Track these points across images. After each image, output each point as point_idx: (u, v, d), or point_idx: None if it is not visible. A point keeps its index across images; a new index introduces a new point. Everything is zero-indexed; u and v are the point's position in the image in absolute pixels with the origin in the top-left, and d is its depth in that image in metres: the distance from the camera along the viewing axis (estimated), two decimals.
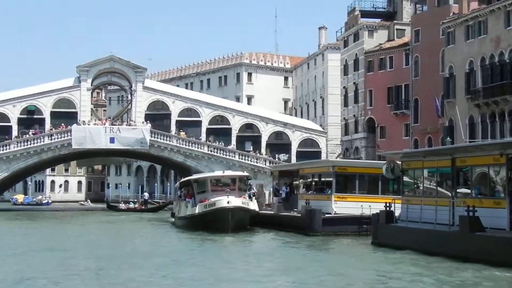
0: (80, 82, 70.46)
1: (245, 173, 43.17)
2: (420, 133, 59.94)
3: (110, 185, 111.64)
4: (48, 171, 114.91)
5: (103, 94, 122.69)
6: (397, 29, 69.48)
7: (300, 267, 22.58)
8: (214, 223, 34.80)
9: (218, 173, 40.98)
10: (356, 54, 70.37)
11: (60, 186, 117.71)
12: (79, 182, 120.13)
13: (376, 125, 67.27)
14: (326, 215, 34.47)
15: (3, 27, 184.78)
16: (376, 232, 28.25)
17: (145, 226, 44.10)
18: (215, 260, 24.34)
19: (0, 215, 58.01)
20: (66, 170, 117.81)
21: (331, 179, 35.53)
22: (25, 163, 66.32)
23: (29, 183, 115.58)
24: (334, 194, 35.15)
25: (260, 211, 40.64)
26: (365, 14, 72.37)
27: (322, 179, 37.10)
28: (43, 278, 19.78)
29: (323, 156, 69.19)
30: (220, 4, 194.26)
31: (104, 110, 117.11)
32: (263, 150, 71.38)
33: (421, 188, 27.34)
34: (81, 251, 27.95)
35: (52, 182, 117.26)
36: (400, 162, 28.90)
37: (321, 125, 78.23)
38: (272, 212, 39.51)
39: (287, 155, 70.64)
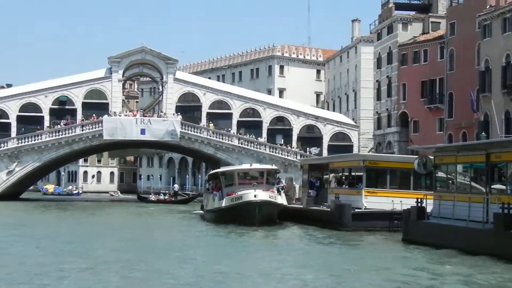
0: (111, 73, 70.54)
1: (274, 167, 42.45)
2: (455, 128, 58.78)
3: (142, 177, 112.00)
4: (81, 161, 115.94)
5: (136, 86, 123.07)
6: (432, 22, 68.23)
7: (327, 262, 22.05)
8: (240, 217, 34.38)
9: (245, 166, 40.55)
10: (390, 47, 69.27)
11: (93, 176, 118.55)
12: (112, 173, 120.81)
13: (409, 120, 66.17)
14: (356, 210, 33.79)
15: (35, 18, 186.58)
16: (406, 228, 27.54)
17: (173, 218, 43.77)
18: (242, 254, 23.96)
19: (30, 205, 58.36)
20: (99, 161, 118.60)
21: (361, 173, 34.82)
22: (56, 153, 66.61)
23: (62, 173, 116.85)
24: (364, 188, 34.44)
25: (289, 205, 40.12)
26: (399, 6, 71.16)
27: (353, 173, 36.40)
28: (60, 270, 19.46)
29: (355, 150, 68.33)
30: None
31: (136, 101, 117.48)
32: (294, 143, 70.79)
33: (454, 183, 26.54)
34: (105, 241, 27.70)
35: (85, 172, 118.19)
36: (432, 157, 28.10)
37: (353, 119, 77.31)
38: (301, 207, 38.93)
39: (319, 148, 69.95)
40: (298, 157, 65.37)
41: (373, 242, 29.10)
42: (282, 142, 70.36)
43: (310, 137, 71.40)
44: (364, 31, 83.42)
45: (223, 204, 35.92)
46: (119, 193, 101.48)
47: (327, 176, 40.57)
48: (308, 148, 69.93)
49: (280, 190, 37.98)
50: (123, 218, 44.54)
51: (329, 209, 34.88)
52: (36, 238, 28.58)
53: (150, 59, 71.63)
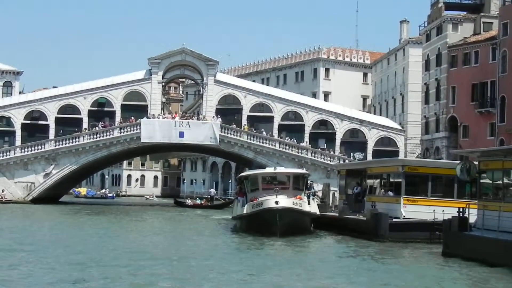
0: (151, 75, 69.22)
1: (303, 170, 39.74)
2: (507, 133, 55.63)
3: (185, 181, 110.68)
4: (124, 165, 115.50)
5: (181, 89, 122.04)
6: (483, 22, 65.25)
7: (352, 279, 19.66)
8: (262, 225, 31.83)
9: (269, 169, 37.14)
10: (439, 48, 66.31)
11: (136, 180, 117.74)
12: (155, 177, 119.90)
13: (458, 124, 63.14)
14: (394, 220, 31.19)
15: (75, 19, 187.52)
16: (447, 241, 24.90)
17: (199, 224, 41.36)
18: (249, 267, 21.60)
19: (59, 209, 56.47)
20: (143, 164, 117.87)
21: (400, 179, 32.15)
22: (94, 156, 65.48)
23: (107, 176, 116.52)
24: (403, 196, 31.69)
25: (325, 213, 37.70)
26: (449, 6, 68.26)
27: (391, 179, 33.71)
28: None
29: (401, 156, 65.44)
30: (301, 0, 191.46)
31: (181, 105, 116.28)
32: (337, 148, 68.35)
33: (500, 191, 23.87)
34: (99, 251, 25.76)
35: (129, 176, 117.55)
36: (477, 162, 25.47)
37: (400, 124, 74.41)
38: (337, 215, 36.41)
39: (363, 154, 67.24)
40: (341, 162, 62.82)
41: (409, 255, 26.56)
42: (325, 147, 67.92)
43: (354, 142, 68.85)
44: (413, 32, 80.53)
45: (245, 211, 33.40)
46: (155, 197, 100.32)
47: (371, 182, 38.00)
48: (352, 153, 67.30)
49: (312, 196, 35.39)
50: (145, 224, 42.66)
51: (364, 218, 32.33)
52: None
53: (190, 61, 70.05)
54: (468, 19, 66.06)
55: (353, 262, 24.11)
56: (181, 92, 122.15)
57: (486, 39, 61.49)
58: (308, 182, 36.21)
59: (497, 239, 21.78)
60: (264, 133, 66.88)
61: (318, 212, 35.96)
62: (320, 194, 39.69)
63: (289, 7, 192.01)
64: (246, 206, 33.11)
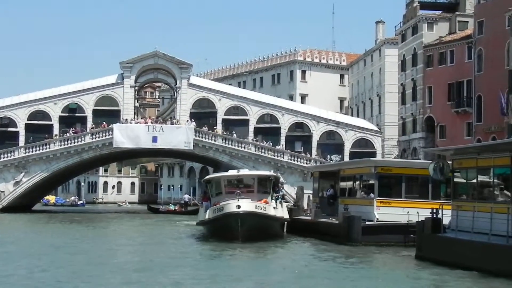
0: (123, 79, 67.76)
1: (268, 172, 37.93)
2: (484, 132, 54.95)
3: (162, 187, 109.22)
4: (101, 171, 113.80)
5: (157, 94, 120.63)
6: (459, 21, 64.71)
7: (319, 283, 18.52)
8: (224, 231, 30.33)
9: (232, 172, 35.09)
10: (415, 48, 65.60)
11: (113, 187, 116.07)
12: (132, 183, 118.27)
13: (435, 124, 62.50)
14: (367, 223, 30.09)
15: (43, 22, 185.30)
16: (420, 243, 23.82)
17: (166, 231, 39.75)
18: (205, 275, 20.43)
19: (26, 218, 54.47)
20: (119, 171, 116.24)
21: (373, 181, 31.06)
22: (65, 163, 63.92)
23: (82, 184, 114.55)
24: (376, 198, 30.61)
25: (297, 217, 36.56)
26: (424, 5, 67.59)
27: (364, 181, 32.60)
28: None
29: (379, 158, 64.41)
30: (277, 2, 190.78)
31: (157, 110, 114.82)
32: (314, 150, 67.26)
33: (474, 191, 22.87)
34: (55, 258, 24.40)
35: (105, 183, 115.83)
36: (451, 162, 24.48)
37: (377, 125, 73.59)
38: (310, 219, 35.24)
39: (340, 156, 66.14)
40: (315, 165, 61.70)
41: (381, 259, 25.51)
42: (302, 149, 66.85)
43: (331, 144, 67.75)
44: (389, 33, 79.95)
45: (207, 216, 31.73)
46: (127, 203, 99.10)
47: (344, 184, 36.83)
48: (328, 156, 66.19)
49: (279, 199, 33.68)
50: (107, 231, 40.99)
51: (337, 222, 31.20)
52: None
53: (163, 64, 68.70)
54: (443, 18, 65.44)
55: (320, 267, 23.03)
56: (157, 97, 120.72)
57: (462, 38, 60.92)
58: (279, 184, 34.93)
59: (471, 241, 20.75)
60: (234, 135, 65.50)
61: (286, 216, 34.56)
62: (292, 197, 38.15)
63: (265, 10, 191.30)
64: (208, 211, 31.54)
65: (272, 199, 32.72)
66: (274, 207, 32.03)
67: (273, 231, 31.81)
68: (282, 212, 33.61)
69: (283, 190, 36.03)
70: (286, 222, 34.88)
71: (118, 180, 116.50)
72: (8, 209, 61.28)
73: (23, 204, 64.74)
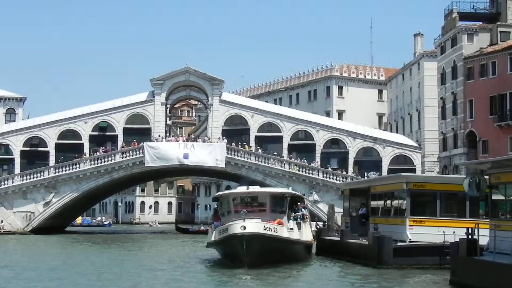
0: (154, 96, 66.49)
1: (284, 189, 34.12)
2: None
3: (199, 206, 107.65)
4: (138, 191, 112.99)
5: (193, 113, 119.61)
6: (500, 31, 62.11)
7: None
8: (230, 254, 27.86)
9: (241, 189, 31.54)
10: (454, 60, 63.04)
11: (150, 207, 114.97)
12: (169, 203, 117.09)
13: (477, 139, 59.65)
14: (399, 244, 27.76)
15: (73, 40, 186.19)
16: (455, 267, 21.46)
17: (181, 253, 37.18)
18: None
19: (49, 240, 52.84)
20: (156, 190, 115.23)
21: (405, 198, 28.68)
22: (95, 182, 62.75)
23: (120, 204, 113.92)
24: (408, 217, 28.22)
25: (327, 237, 34.35)
26: (464, 16, 64.93)
27: (396, 199, 30.22)
28: None
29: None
30: (314, 18, 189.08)
31: (193, 130, 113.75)
32: (350, 167, 64.95)
33: None
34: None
35: (142, 203, 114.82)
36: (488, 176, 22.15)
37: (417, 141, 70.98)
38: (338, 239, 32.97)
39: (377, 173, 63.52)
40: (346, 181, 59.32)
41: (414, 284, 23.20)
42: (337, 167, 64.56)
43: (368, 161, 65.39)
44: (428, 45, 77.22)
45: (213, 238, 28.61)
46: (157, 223, 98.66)
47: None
48: (366, 173, 63.64)
49: (299, 219, 30.79)
50: (117, 253, 38.68)
51: (367, 243, 28.89)
52: None
53: (194, 80, 67.30)
54: (483, 29, 62.86)
55: None
56: (193, 116, 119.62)
57: (504, 48, 58.28)
58: (299, 203, 32.28)
59: (511, 265, 18.37)
60: (259, 150, 63.33)
61: (308, 238, 31.77)
62: (310, 217, 34.75)
63: (302, 26, 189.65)
64: (214, 232, 28.83)
65: (290, 219, 29.92)
66: (290, 228, 29.17)
67: (290, 255, 28.91)
68: (302, 233, 30.77)
69: (302, 210, 32.13)
70: (315, 244, 32.50)
71: (155, 200, 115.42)
72: (39, 230, 60.22)
73: (55, 225, 63.62)
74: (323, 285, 23.30)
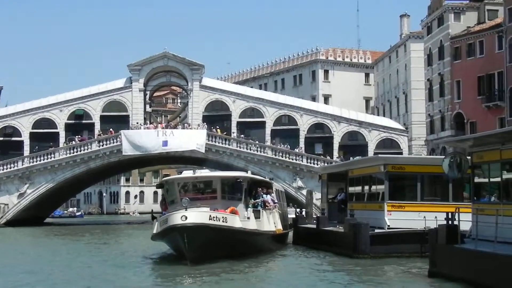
0: (131, 83, 64.20)
1: (240, 173, 29.18)
2: None
3: None
4: (122, 181, 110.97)
5: (179, 100, 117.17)
6: (488, 9, 60.31)
7: None
8: (173, 248, 25.03)
9: (187, 173, 27.99)
10: (441, 40, 61.06)
11: (135, 197, 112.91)
12: (155, 193, 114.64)
13: (465, 121, 57.82)
14: (377, 231, 25.71)
15: (47, 27, 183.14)
16: (433, 256, 19.42)
17: (138, 246, 33.42)
18: None
19: (20, 232, 50.58)
20: (141, 180, 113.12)
21: (383, 182, 26.55)
22: (71, 172, 60.47)
23: (104, 194, 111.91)
24: (387, 202, 26.11)
25: (304, 225, 32.31)
26: None
27: (373, 182, 28.06)
28: None
29: None
30: (302, 3, 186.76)
31: (179, 116, 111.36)
32: (335, 152, 62.89)
33: (498, 190, 18.49)
34: None
35: (127, 193, 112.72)
36: (470, 156, 20.14)
37: (404, 124, 68.99)
38: (314, 227, 30.88)
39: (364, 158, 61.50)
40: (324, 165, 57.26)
41: (389, 275, 21.14)
42: (322, 152, 62.50)
43: (354, 145, 63.27)
44: (415, 27, 75.03)
45: (154, 230, 25.10)
46: (137, 213, 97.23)
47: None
48: (351, 158, 61.39)
49: (261, 207, 27.21)
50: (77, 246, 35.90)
51: (343, 230, 26.80)
52: None
53: (173, 65, 65.06)
54: (471, 7, 60.99)
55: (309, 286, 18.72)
56: (179, 104, 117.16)
57: (491, 27, 56.43)
58: (263, 188, 28.55)
59: (494, 254, 16.34)
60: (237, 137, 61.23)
61: (270, 228, 28.27)
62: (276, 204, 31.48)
63: (289, 11, 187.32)
64: (156, 223, 25.28)
65: (248, 207, 26.57)
66: (247, 217, 25.90)
67: (248, 247, 25.48)
68: (262, 223, 27.04)
69: (263, 196, 27.98)
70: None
71: (140, 189, 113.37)
72: (14, 223, 58.00)
73: (32, 217, 61.36)
74: (280, 280, 20.55)
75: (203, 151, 59.94)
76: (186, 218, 22.75)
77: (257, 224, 26.40)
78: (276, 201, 29.88)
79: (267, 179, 32.50)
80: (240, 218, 24.99)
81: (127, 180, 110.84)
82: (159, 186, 29.25)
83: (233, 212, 24.85)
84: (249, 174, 28.38)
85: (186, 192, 26.46)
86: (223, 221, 23.66)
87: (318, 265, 23.83)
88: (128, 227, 59.20)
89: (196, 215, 23.07)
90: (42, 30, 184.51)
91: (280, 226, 30.46)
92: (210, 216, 23.43)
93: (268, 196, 28.32)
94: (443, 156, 22.68)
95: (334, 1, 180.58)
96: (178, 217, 22.94)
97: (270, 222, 28.44)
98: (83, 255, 29.45)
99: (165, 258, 26.07)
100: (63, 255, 29.64)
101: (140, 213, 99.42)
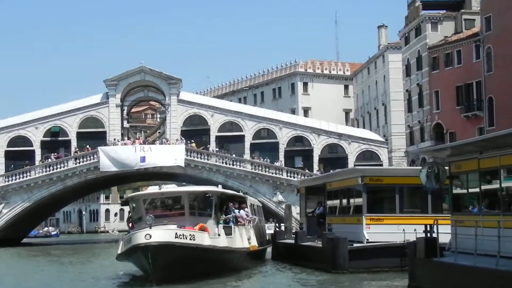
0: (108, 98, 63.34)
1: (209, 188, 27.76)
2: None
3: None
4: (102, 199, 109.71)
5: (158, 116, 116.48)
6: (465, 19, 60.17)
7: None
8: (139, 268, 23.86)
9: (152, 189, 26.99)
10: (419, 51, 60.86)
11: (115, 214, 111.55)
12: None
13: (444, 131, 57.46)
14: (355, 245, 25.08)
15: (23, 42, 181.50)
16: (412, 270, 18.82)
17: (100, 268, 32.20)
18: None
19: None
20: (122, 197, 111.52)
21: (361, 195, 25.93)
22: (48, 191, 59.36)
23: (84, 212, 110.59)
24: (365, 215, 25.54)
25: (282, 240, 31.61)
26: (427, 5, 62.99)
27: (351, 196, 27.40)
28: None
29: None
30: (280, 16, 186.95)
31: (159, 132, 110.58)
32: (315, 166, 62.30)
33: (477, 201, 17.93)
34: None
35: (107, 211, 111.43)
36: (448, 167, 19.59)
37: (384, 136, 68.59)
38: (292, 242, 30.22)
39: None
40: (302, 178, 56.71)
41: None
42: (302, 165, 61.91)
43: (334, 158, 62.72)
44: (393, 37, 74.84)
45: (119, 250, 23.94)
46: (116, 231, 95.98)
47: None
48: (331, 170, 60.84)
49: (233, 223, 26.21)
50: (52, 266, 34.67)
51: (321, 245, 26.14)
52: None
53: (150, 80, 64.30)
54: (448, 17, 60.87)
55: None
56: (158, 119, 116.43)
57: (469, 36, 56.31)
58: (235, 203, 27.74)
59: (474, 267, 15.75)
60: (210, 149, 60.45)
61: (246, 245, 27.48)
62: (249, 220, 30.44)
63: (268, 24, 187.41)
64: (121, 242, 24.15)
65: (219, 223, 25.53)
66: (217, 234, 24.61)
67: (219, 265, 24.40)
68: (234, 239, 25.95)
69: (235, 211, 27.08)
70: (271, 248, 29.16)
71: (120, 207, 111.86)
72: None
73: (9, 238, 60.00)
74: None
75: (182, 165, 59.13)
76: (150, 236, 21.75)
77: (229, 241, 25.31)
78: (250, 216, 28.97)
79: (241, 194, 31.57)
80: (210, 235, 24.05)
81: (107, 197, 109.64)
82: (124, 203, 28.15)
83: (202, 229, 23.83)
84: (219, 189, 27.36)
85: (155, 209, 25.57)
86: (190, 239, 22.64)
87: (294, 281, 23.15)
88: (104, 246, 58.04)
89: (161, 233, 22.07)
90: (14, 41, 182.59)
91: (255, 243, 29.55)
92: (176, 234, 22.37)
93: (242, 211, 27.43)
94: (420, 167, 22.13)
95: (312, 13, 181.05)
96: (141, 236, 21.96)
97: (243, 239, 27.43)
98: (47, 275, 28.39)
99: (132, 279, 25.07)
100: (19, 275, 28.55)
101: (119, 231, 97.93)
